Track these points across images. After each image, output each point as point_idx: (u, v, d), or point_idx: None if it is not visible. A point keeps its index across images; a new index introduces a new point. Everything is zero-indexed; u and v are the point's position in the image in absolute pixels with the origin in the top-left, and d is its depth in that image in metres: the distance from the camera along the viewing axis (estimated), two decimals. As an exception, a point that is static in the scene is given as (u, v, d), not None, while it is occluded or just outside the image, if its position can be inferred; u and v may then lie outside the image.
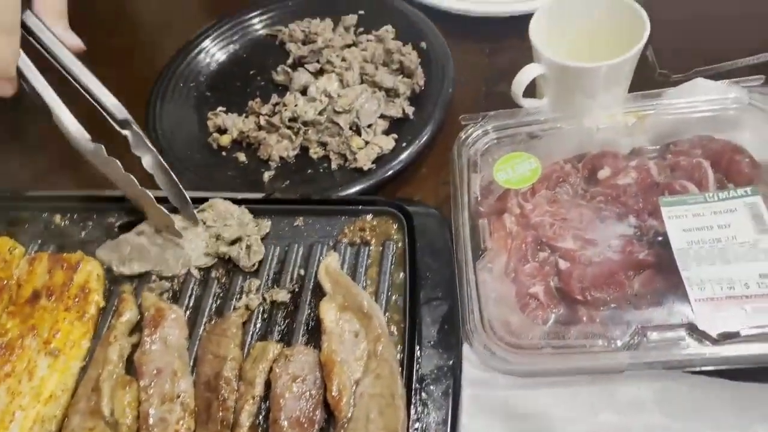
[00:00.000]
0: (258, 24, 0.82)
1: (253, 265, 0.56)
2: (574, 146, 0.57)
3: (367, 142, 0.66)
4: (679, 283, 0.46)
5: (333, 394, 0.45)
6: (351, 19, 0.79)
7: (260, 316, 0.53)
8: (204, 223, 0.58)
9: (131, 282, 0.57)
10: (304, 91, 0.71)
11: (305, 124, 0.68)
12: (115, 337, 0.52)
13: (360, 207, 0.58)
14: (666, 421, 0.44)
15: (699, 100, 0.55)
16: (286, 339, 0.51)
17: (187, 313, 0.55)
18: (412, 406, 0.46)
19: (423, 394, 0.46)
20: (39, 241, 0.61)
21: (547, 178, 0.56)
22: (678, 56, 0.67)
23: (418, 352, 0.48)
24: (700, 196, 0.50)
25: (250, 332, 0.52)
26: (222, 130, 0.72)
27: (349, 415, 0.45)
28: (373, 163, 0.64)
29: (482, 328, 0.47)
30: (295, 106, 0.69)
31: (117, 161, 0.52)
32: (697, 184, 0.52)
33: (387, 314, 0.51)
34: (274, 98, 0.72)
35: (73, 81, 0.52)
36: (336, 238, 0.57)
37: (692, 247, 0.47)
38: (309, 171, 0.67)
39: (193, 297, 0.56)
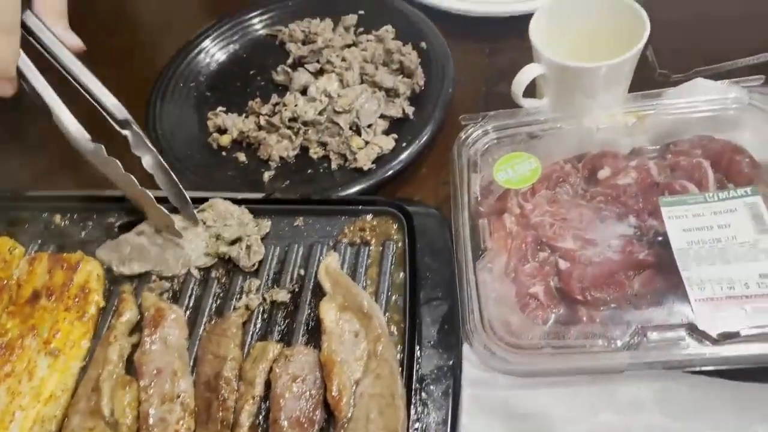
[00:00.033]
0: (258, 24, 0.82)
1: (253, 265, 0.56)
2: (574, 146, 0.57)
3: (367, 142, 0.66)
4: (679, 283, 0.46)
5: (333, 394, 0.45)
6: (351, 19, 0.79)
7: (260, 316, 0.53)
8: (204, 223, 0.58)
9: (131, 282, 0.57)
10: (304, 91, 0.71)
11: (305, 124, 0.68)
12: (115, 337, 0.52)
13: (360, 207, 0.58)
14: (666, 421, 0.44)
15: (699, 100, 0.55)
16: (286, 339, 0.51)
17: (187, 313, 0.55)
18: (412, 406, 0.46)
19: (423, 394, 0.46)
20: (39, 241, 0.61)
21: (547, 178, 0.56)
22: (678, 56, 0.67)
23: (418, 352, 0.48)
24: (700, 196, 0.50)
25: (250, 332, 0.52)
26: (222, 130, 0.72)
27: (349, 415, 0.45)
28: (373, 163, 0.64)
29: (482, 328, 0.47)
30: (295, 106, 0.69)
31: (117, 161, 0.52)
32: (697, 184, 0.52)
33: (387, 314, 0.51)
34: (274, 98, 0.72)
35: (73, 81, 0.52)
36: (336, 238, 0.57)
37: (692, 247, 0.47)
38: (309, 171, 0.67)
39: (193, 297, 0.56)
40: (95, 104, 0.52)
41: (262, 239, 0.57)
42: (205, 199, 0.59)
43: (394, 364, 0.47)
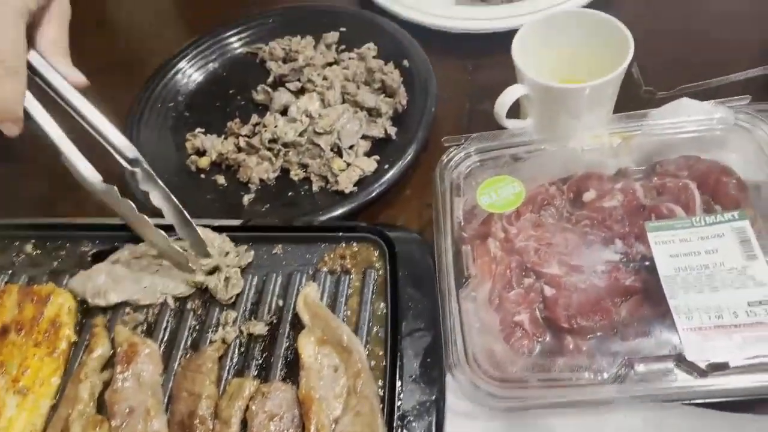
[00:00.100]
0: (237, 42, 0.80)
1: (231, 298, 0.54)
2: (558, 168, 0.56)
3: (348, 164, 0.65)
4: (666, 311, 0.45)
5: (311, 433, 0.44)
6: (332, 36, 0.77)
7: (237, 349, 0.52)
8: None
9: (104, 314, 0.55)
10: (284, 111, 0.70)
11: (285, 145, 0.67)
12: (86, 374, 0.50)
13: (340, 234, 0.56)
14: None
15: (684, 121, 0.54)
16: (264, 373, 0.50)
17: (162, 347, 0.53)
18: (393, 445, 0.44)
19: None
20: (9, 272, 0.59)
21: (531, 200, 0.55)
22: (663, 72, 0.66)
23: (400, 387, 0.46)
24: (687, 221, 0.49)
25: (227, 366, 0.51)
26: (201, 152, 0.70)
27: (329, 455, 0.44)
28: (355, 185, 0.63)
29: (465, 361, 0.46)
30: (275, 126, 0.67)
31: (130, 202, 0.51)
32: (683, 207, 0.51)
33: (368, 347, 0.49)
34: (254, 118, 0.71)
35: (79, 119, 0.51)
36: (316, 267, 0.55)
37: (679, 274, 0.46)
38: (290, 193, 0.66)
39: (168, 330, 0.54)
40: (103, 143, 0.51)
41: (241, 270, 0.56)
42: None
43: (375, 400, 0.45)
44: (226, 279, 0.54)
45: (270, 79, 0.75)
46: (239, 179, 0.67)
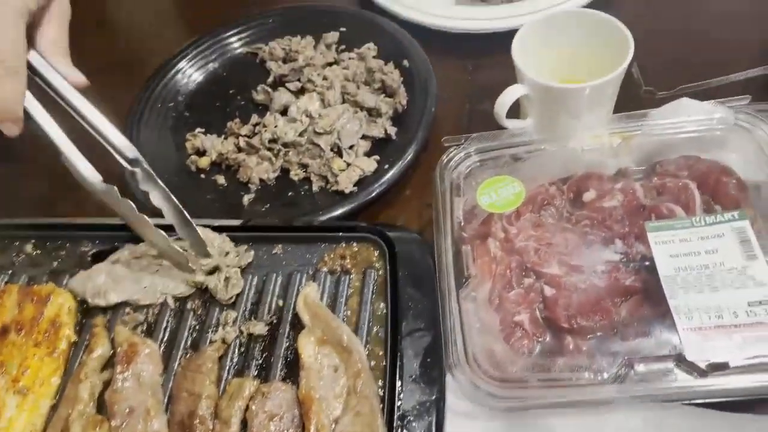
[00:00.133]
0: (237, 42, 0.80)
1: (231, 298, 0.54)
2: (558, 168, 0.56)
3: (348, 164, 0.64)
4: (666, 311, 0.45)
5: (311, 433, 0.44)
6: (332, 36, 0.77)
7: (237, 349, 0.52)
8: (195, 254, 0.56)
9: (104, 313, 0.55)
10: (284, 111, 0.70)
11: (285, 145, 0.67)
12: (86, 374, 0.50)
13: (340, 234, 0.56)
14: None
15: (684, 121, 0.54)
16: (264, 373, 0.50)
17: (162, 347, 0.53)
18: (393, 445, 0.44)
19: None
20: (9, 272, 0.59)
21: (531, 200, 0.55)
22: (663, 72, 0.66)
23: (400, 387, 0.46)
24: (687, 221, 0.49)
25: (227, 366, 0.51)
26: (201, 152, 0.70)
27: (328, 455, 0.44)
28: (354, 185, 0.63)
29: (465, 361, 0.46)
30: (275, 126, 0.67)
31: (130, 202, 0.51)
32: (683, 207, 0.51)
33: (368, 347, 0.49)
34: (254, 118, 0.71)
35: (79, 119, 0.51)
36: (316, 267, 0.55)
37: (679, 274, 0.46)
38: (290, 194, 0.66)
39: (168, 330, 0.54)
40: (103, 143, 0.51)
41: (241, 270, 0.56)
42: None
43: (375, 401, 0.45)
44: (226, 279, 0.54)
45: (270, 79, 0.75)
46: (239, 179, 0.67)
